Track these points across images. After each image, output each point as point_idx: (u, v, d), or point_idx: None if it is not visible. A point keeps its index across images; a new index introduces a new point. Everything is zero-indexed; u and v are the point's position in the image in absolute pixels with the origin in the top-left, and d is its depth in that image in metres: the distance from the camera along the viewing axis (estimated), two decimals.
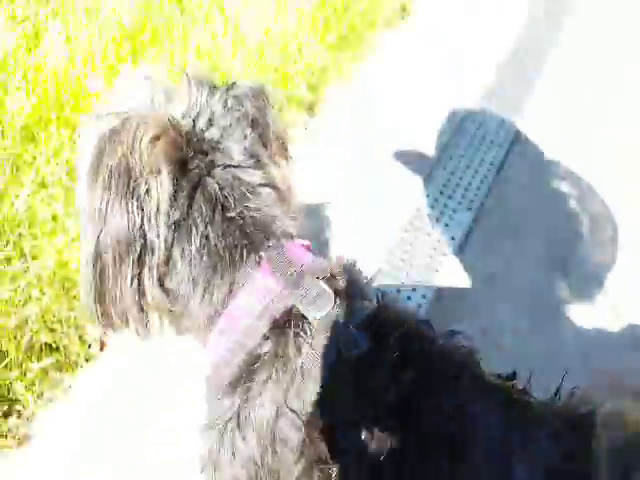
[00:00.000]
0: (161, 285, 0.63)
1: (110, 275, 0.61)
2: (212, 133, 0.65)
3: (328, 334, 0.58)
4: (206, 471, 0.64)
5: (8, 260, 1.22)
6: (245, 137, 0.67)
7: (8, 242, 1.24)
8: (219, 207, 0.62)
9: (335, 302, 0.60)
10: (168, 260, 0.62)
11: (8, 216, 1.28)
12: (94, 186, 0.60)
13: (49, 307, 1.10)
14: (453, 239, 1.52)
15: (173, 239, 0.61)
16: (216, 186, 0.63)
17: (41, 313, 1.09)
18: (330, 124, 1.86)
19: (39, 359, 1.03)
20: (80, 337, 1.09)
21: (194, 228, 0.62)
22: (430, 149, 1.80)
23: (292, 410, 0.57)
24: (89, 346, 1.10)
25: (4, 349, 1.02)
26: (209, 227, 0.62)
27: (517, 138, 1.88)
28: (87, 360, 1.09)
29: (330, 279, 0.62)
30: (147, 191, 0.59)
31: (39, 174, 1.36)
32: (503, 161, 1.77)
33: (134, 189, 0.59)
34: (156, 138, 0.59)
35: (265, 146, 0.71)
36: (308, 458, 0.56)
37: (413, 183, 1.69)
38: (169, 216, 0.60)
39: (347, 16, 1.97)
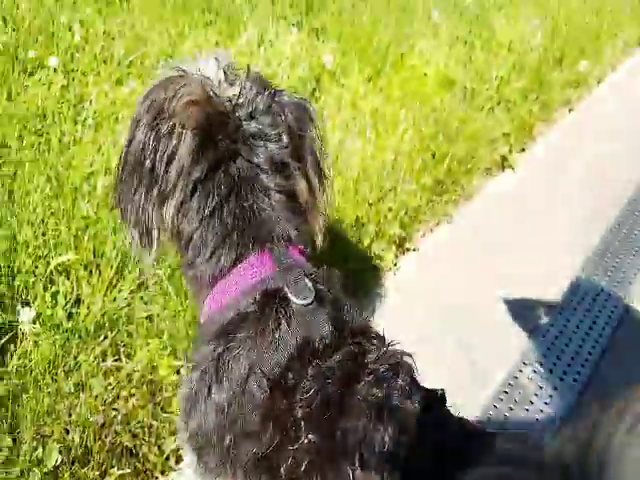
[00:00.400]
0: (176, 220, 0.82)
1: (125, 179, 0.83)
2: (249, 126, 0.81)
3: (305, 319, 0.73)
4: (184, 412, 0.78)
5: (103, 355, 1.36)
6: (277, 142, 0.82)
7: (106, 337, 1.40)
8: (235, 192, 0.80)
9: (314, 298, 0.74)
10: (182, 204, 0.80)
11: (109, 311, 1.45)
12: (139, 109, 0.83)
13: (135, 410, 1.20)
14: (554, 416, 1.48)
15: (193, 191, 0.80)
16: (237, 173, 0.80)
17: (127, 416, 1.19)
18: (421, 265, 1.99)
19: (119, 462, 1.11)
20: (159, 447, 1.16)
21: (211, 196, 0.80)
22: (529, 314, 1.83)
23: (262, 371, 0.70)
24: (166, 458, 1.16)
25: (89, 446, 1.11)
26: (224, 203, 0.80)
27: (627, 314, 1.86)
28: (163, 472, 1.14)
29: (314, 280, 0.78)
30: (168, 134, 0.79)
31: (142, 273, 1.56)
32: (610, 338, 1.76)
33: (158, 125, 0.79)
34: (193, 102, 0.78)
35: (297, 158, 0.84)
36: (266, 410, 0.68)
37: (508, 348, 1.70)
38: (189, 172, 0.79)
39: (445, 161, 2.21)
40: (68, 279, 1.51)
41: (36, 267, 1.51)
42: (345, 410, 0.65)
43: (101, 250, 1.61)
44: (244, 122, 0.81)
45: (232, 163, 0.80)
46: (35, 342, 1.33)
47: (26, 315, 1.34)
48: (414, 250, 2.08)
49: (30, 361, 1.29)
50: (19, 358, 1.30)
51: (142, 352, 1.37)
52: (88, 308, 1.43)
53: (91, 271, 1.55)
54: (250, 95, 0.82)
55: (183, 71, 0.83)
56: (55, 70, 2.22)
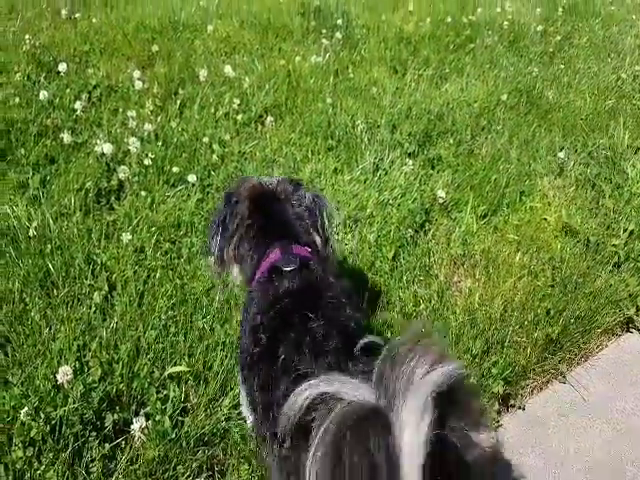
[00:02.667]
0: (236, 249, 1.60)
1: (211, 231, 1.63)
2: (283, 196, 1.64)
3: (287, 276, 1.42)
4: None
5: (199, 469, 1.58)
6: (299, 207, 1.63)
7: (204, 452, 1.63)
8: (268, 225, 1.59)
9: (297, 267, 1.44)
10: (240, 240, 1.58)
11: (209, 426, 1.70)
12: (221, 202, 1.68)
13: None
14: None
15: (247, 231, 1.57)
16: (273, 216, 1.60)
17: None
18: (527, 425, 2.04)
19: None
20: None
21: (256, 231, 1.58)
22: None
23: (264, 310, 1.36)
24: None
25: None
26: (261, 233, 1.58)
27: None
28: None
29: (305, 260, 1.48)
30: (236, 203, 1.61)
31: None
32: None
33: (231, 201, 1.63)
34: (251, 187, 1.63)
35: (313, 225, 1.63)
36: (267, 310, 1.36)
37: None
38: (246, 222, 1.58)
39: (561, 320, 2.31)
40: (178, 386, 1.80)
41: (152, 372, 1.83)
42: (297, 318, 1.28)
43: (210, 362, 1.90)
44: (281, 197, 1.62)
45: (271, 213, 1.60)
46: (142, 446, 1.59)
47: (138, 423, 1.62)
48: (520, 408, 2.13)
49: (136, 464, 1.54)
50: (127, 461, 1.56)
51: (233, 475, 1.57)
52: (193, 419, 1.69)
53: (199, 381, 1.83)
54: (284, 185, 1.65)
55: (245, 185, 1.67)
56: (193, 185, 2.74)
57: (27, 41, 4.12)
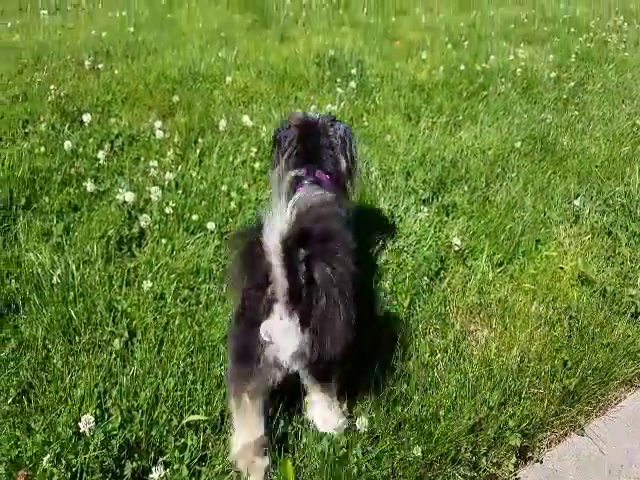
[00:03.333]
0: (286, 162, 2.40)
1: (272, 149, 2.54)
2: (322, 124, 2.44)
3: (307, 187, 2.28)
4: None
5: None
6: (336, 145, 2.41)
7: None
8: (309, 151, 2.39)
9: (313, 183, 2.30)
10: (290, 156, 2.38)
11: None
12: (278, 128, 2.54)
13: None
14: None
15: (291, 151, 2.38)
16: (313, 145, 2.38)
17: None
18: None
19: None
20: None
21: (298, 150, 2.39)
22: None
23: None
24: None
25: None
26: (304, 155, 2.39)
27: None
28: None
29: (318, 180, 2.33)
30: (288, 128, 2.43)
31: None
32: None
33: (285, 126, 2.47)
34: (299, 117, 2.47)
35: (344, 156, 2.42)
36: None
37: None
38: (294, 144, 2.38)
39: (578, 371, 2.35)
40: (196, 435, 1.87)
41: (170, 420, 1.90)
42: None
43: (228, 411, 1.97)
44: (320, 128, 2.39)
45: (312, 140, 2.36)
46: None
47: (157, 472, 1.69)
48: (538, 461, 2.15)
49: None
50: None
51: None
52: (210, 469, 1.75)
53: (217, 430, 1.90)
54: (323, 119, 2.42)
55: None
56: (212, 232, 2.88)
57: (52, 91, 4.39)
